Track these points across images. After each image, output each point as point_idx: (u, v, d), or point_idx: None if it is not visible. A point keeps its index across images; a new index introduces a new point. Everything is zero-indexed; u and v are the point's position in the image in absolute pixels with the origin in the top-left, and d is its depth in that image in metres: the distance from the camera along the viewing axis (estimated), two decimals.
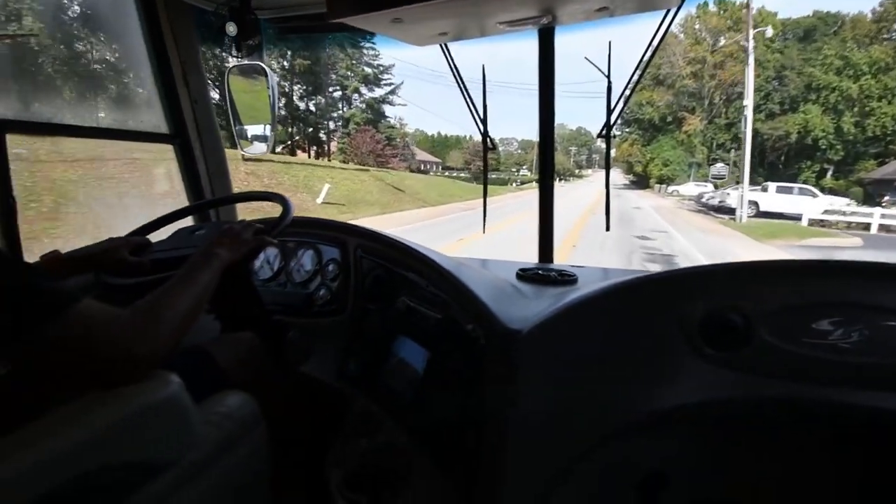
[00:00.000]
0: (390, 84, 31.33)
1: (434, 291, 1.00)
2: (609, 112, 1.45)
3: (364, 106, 31.71)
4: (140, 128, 1.56)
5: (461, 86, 1.56)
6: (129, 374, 0.55)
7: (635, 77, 1.46)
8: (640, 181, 38.79)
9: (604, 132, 1.49)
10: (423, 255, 1.05)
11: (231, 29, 1.48)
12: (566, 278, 1.11)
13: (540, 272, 1.15)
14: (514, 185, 40.36)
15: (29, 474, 0.43)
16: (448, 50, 1.53)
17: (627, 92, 1.44)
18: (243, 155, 1.89)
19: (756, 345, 0.87)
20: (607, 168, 1.54)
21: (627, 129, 38.22)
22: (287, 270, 1.30)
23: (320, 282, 1.24)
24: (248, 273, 1.11)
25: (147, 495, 0.60)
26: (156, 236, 1.15)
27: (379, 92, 31.47)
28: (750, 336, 0.87)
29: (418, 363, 0.95)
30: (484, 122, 1.57)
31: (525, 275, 1.13)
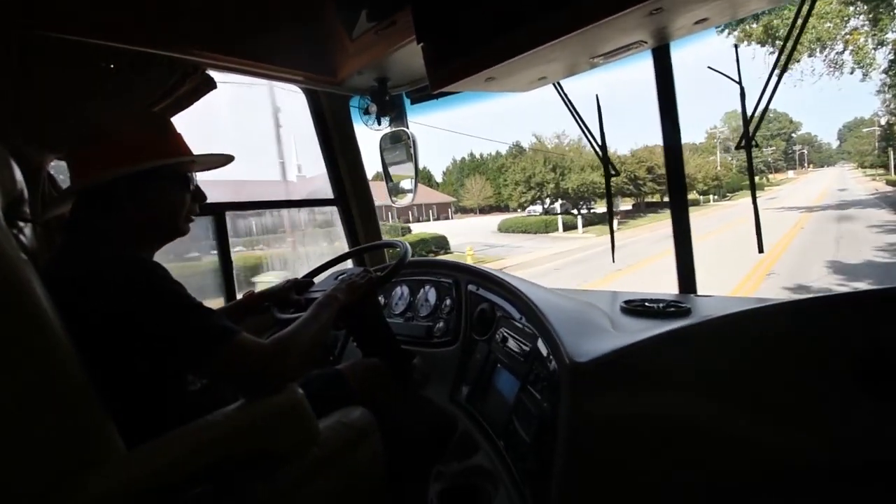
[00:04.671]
0: None
1: (526, 325, 1.05)
2: (746, 122, 1.31)
3: None
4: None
5: (576, 117, 1.58)
6: (268, 387, 0.77)
7: (774, 78, 1.28)
8: None
9: (742, 143, 1.35)
10: (518, 290, 1.12)
11: (372, 108, 1.83)
12: (675, 311, 1.03)
13: (646, 304, 1.09)
14: None
15: (193, 453, 0.68)
16: (560, 87, 1.58)
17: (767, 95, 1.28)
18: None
19: None
20: (752, 183, 1.37)
21: None
22: (415, 305, 1.50)
23: (439, 315, 1.40)
24: (380, 309, 1.34)
25: (286, 476, 0.81)
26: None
27: None
28: None
29: (510, 392, 1.01)
30: (603, 148, 1.56)
31: (629, 307, 1.09)
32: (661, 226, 19.29)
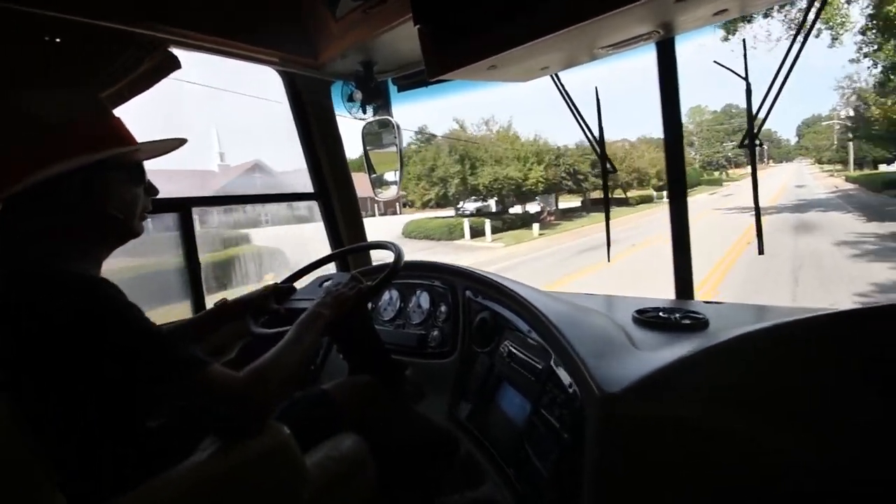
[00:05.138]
0: None
1: (536, 339, 0.96)
2: (751, 119, 1.26)
3: None
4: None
5: (573, 110, 1.51)
6: (244, 425, 0.66)
7: (782, 73, 1.22)
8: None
9: (746, 142, 1.31)
10: (525, 300, 1.02)
11: (357, 95, 1.69)
12: (693, 322, 0.96)
13: (661, 314, 1.02)
14: None
15: None
16: (558, 78, 1.50)
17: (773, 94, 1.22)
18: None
19: None
20: (754, 183, 1.33)
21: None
22: (406, 311, 1.39)
23: (433, 323, 1.30)
24: (369, 321, 1.22)
25: None
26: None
27: None
28: None
29: (519, 414, 0.92)
30: (601, 144, 1.50)
31: (643, 318, 1.02)
32: (593, 230, 14.57)
